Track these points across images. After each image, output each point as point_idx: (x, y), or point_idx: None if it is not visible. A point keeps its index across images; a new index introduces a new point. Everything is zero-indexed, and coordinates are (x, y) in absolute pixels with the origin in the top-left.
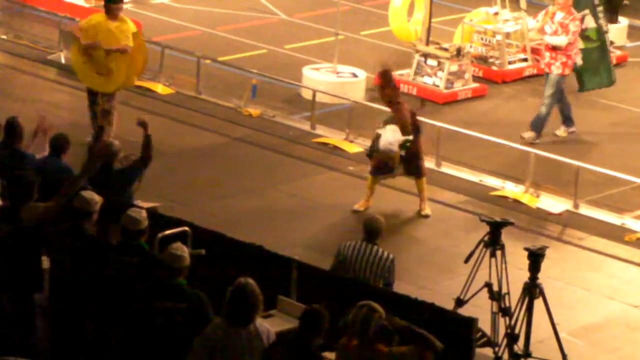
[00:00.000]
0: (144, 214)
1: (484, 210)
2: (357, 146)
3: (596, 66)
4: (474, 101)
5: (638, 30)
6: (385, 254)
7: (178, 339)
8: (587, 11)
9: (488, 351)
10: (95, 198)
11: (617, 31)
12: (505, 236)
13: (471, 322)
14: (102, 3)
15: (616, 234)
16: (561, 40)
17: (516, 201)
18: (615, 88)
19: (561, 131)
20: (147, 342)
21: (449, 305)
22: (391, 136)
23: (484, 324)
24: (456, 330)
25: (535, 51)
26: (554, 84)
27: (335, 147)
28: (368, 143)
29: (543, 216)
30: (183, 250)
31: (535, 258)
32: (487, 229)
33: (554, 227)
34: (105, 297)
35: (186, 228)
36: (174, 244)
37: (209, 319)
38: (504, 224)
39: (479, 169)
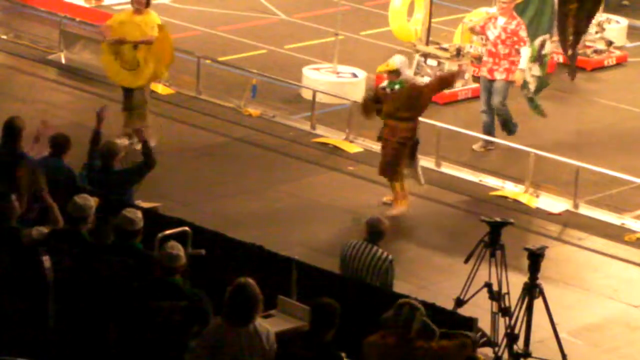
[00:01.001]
0: (139, 214)
1: (484, 210)
2: (357, 146)
3: (542, 93)
4: (474, 101)
5: (638, 31)
6: (384, 255)
7: (178, 338)
8: (547, 36)
9: (488, 351)
10: (89, 202)
11: (617, 31)
12: (505, 236)
13: (471, 322)
14: (102, 3)
15: (616, 234)
16: (525, 53)
17: (516, 201)
18: (616, 88)
19: (477, 146)
20: (146, 342)
21: (449, 305)
22: (405, 62)
23: (484, 324)
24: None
25: None
26: (501, 91)
27: (335, 147)
28: (368, 143)
29: (543, 216)
30: (179, 249)
31: (535, 258)
32: (486, 229)
33: (554, 227)
34: (101, 298)
35: (186, 228)
36: (169, 243)
37: (209, 317)
38: (504, 224)
39: (478, 169)
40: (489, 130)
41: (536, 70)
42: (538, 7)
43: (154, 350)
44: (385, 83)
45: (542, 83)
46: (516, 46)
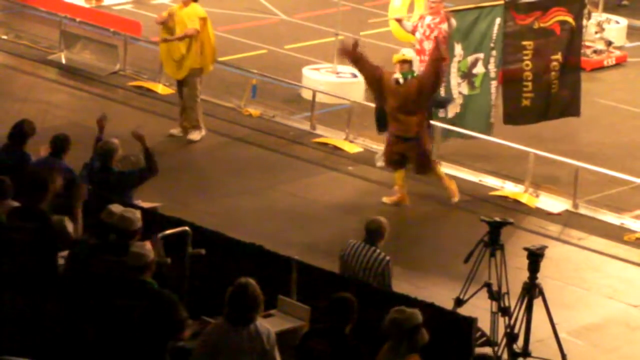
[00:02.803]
0: (138, 214)
1: (484, 210)
2: (357, 146)
3: (475, 112)
4: None
5: (637, 31)
6: (381, 256)
7: (140, 339)
8: (481, 55)
9: (488, 351)
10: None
11: (617, 31)
12: (505, 236)
13: (471, 321)
14: (102, 3)
15: (615, 233)
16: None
17: (516, 201)
18: (615, 88)
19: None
20: (112, 340)
21: (449, 304)
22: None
23: (484, 324)
24: (456, 330)
25: None
26: None
27: (335, 147)
28: (368, 143)
29: (542, 216)
30: (144, 248)
31: (535, 258)
32: (486, 228)
33: (554, 227)
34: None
35: (186, 228)
36: (137, 242)
37: (173, 321)
38: (504, 223)
39: (478, 169)
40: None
41: (464, 89)
42: (486, 25)
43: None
44: (398, 74)
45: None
46: (440, 35)
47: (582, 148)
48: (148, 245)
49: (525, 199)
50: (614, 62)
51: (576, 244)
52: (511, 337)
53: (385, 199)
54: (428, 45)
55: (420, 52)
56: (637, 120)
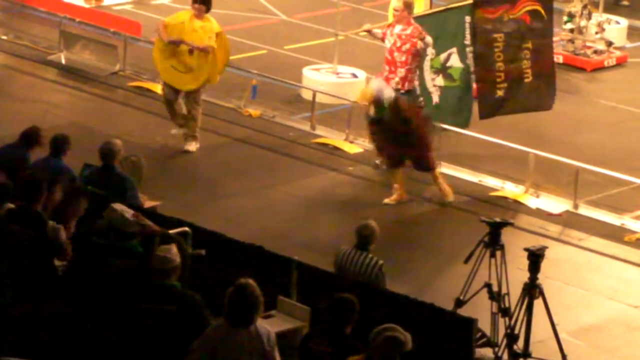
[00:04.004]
0: (174, 249)
1: (484, 210)
2: (357, 147)
3: (454, 105)
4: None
5: (638, 31)
6: (373, 261)
7: (169, 342)
8: (454, 49)
9: (488, 351)
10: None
11: (617, 32)
12: (505, 236)
13: (471, 322)
14: (102, 3)
15: (616, 234)
16: (426, 43)
17: (516, 201)
18: (616, 88)
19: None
20: (138, 345)
21: (449, 305)
22: (382, 84)
23: (484, 324)
24: (456, 331)
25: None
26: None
27: (335, 148)
28: (368, 144)
29: (543, 216)
30: (171, 252)
31: (535, 258)
32: (486, 229)
33: (554, 228)
34: (101, 299)
35: (186, 228)
36: (162, 246)
37: (203, 321)
38: (504, 224)
39: (478, 169)
40: None
41: (440, 81)
42: (455, 25)
43: (148, 354)
44: (371, 115)
45: (460, 98)
46: (412, 48)
47: (582, 148)
48: (174, 249)
49: (525, 199)
50: (614, 63)
51: (576, 244)
52: (511, 337)
53: (386, 201)
54: (399, 57)
55: (390, 62)
56: (637, 121)
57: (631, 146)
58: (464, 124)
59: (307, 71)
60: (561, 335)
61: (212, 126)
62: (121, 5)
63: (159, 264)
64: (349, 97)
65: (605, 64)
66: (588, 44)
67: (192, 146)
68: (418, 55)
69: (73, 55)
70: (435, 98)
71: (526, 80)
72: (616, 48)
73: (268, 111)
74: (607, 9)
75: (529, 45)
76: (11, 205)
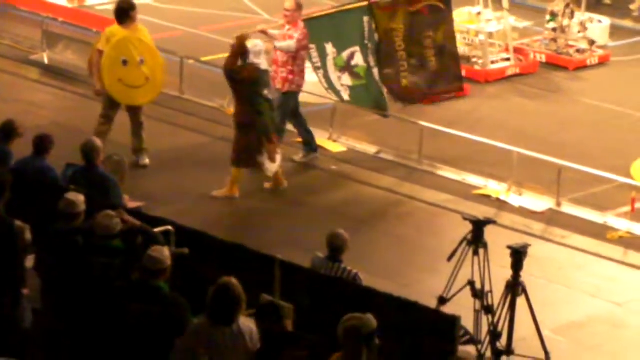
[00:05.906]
0: (165, 252)
1: (467, 208)
2: (340, 145)
3: (367, 99)
4: (457, 100)
5: (620, 30)
6: (346, 272)
7: (151, 343)
8: (357, 47)
9: (471, 349)
10: (80, 199)
11: (600, 30)
12: (488, 234)
13: (454, 320)
14: (84, 3)
15: (599, 232)
16: (288, 44)
17: (499, 200)
18: (598, 87)
19: (299, 157)
20: (120, 343)
21: (432, 303)
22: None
23: (467, 322)
24: (439, 329)
25: (517, 51)
26: (277, 100)
27: (319, 147)
28: (352, 143)
29: (526, 214)
30: (163, 254)
31: (518, 256)
32: (469, 227)
33: (537, 225)
34: (84, 298)
35: (169, 227)
36: (154, 246)
37: (185, 325)
38: (487, 222)
39: (461, 168)
40: (305, 138)
41: (347, 80)
42: (353, 25)
43: (130, 354)
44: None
45: (371, 95)
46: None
47: (565, 147)
48: (167, 251)
49: (508, 197)
50: (597, 62)
51: (559, 242)
52: (494, 335)
53: (215, 193)
54: (281, 57)
55: (275, 62)
56: (620, 120)
57: (614, 144)
58: (385, 108)
59: None
60: (544, 333)
61: (195, 126)
62: (104, 5)
63: (150, 263)
64: (332, 96)
65: (588, 62)
66: (571, 43)
67: (147, 160)
68: (300, 59)
69: (56, 55)
70: (346, 96)
71: (432, 67)
72: (599, 47)
73: None
74: (589, 8)
75: (430, 34)
76: None
